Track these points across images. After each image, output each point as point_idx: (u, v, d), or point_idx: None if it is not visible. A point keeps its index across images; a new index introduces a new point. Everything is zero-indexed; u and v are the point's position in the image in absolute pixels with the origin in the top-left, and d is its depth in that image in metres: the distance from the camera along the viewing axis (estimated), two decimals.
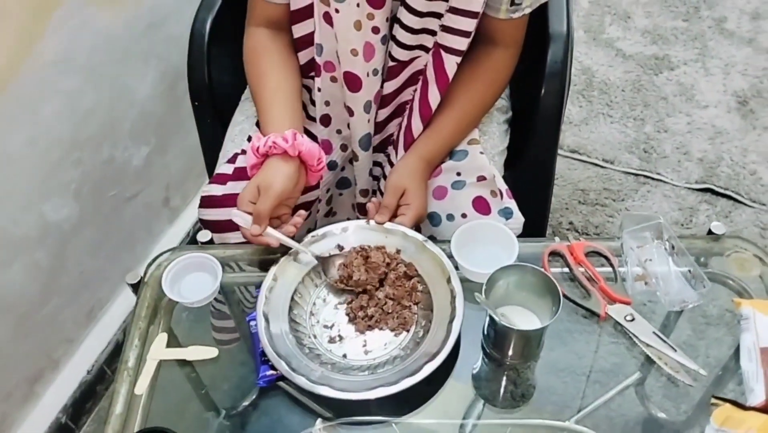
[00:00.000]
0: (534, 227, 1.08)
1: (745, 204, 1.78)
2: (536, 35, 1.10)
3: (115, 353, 1.48)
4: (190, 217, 1.67)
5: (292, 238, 0.94)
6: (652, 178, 1.86)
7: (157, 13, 1.36)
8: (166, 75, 1.44)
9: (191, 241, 1.65)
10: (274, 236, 0.93)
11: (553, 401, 0.84)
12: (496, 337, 0.85)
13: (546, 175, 1.23)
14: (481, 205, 1.03)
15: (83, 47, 1.20)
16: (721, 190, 1.81)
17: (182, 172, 1.62)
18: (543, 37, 1.13)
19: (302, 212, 0.96)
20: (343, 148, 1.11)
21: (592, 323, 0.91)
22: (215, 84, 1.19)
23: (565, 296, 0.86)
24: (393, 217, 0.99)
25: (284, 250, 0.95)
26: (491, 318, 0.82)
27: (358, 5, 0.92)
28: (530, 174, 1.20)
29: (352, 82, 0.99)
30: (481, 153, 1.08)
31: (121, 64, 1.31)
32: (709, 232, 0.99)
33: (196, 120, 1.23)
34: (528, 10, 1.00)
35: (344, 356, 0.87)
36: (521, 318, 0.86)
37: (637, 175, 1.87)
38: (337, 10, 0.93)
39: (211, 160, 1.25)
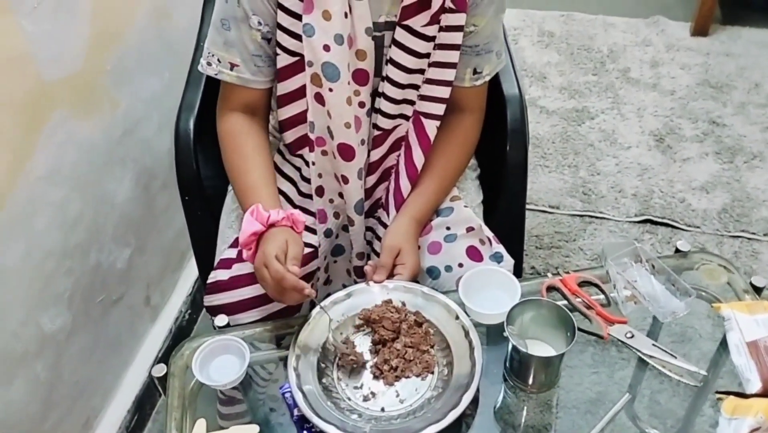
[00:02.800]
0: (513, 270, 1.17)
1: (682, 229, 1.96)
2: (491, 99, 1.23)
3: None
4: (171, 313, 1.68)
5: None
6: (596, 217, 2.02)
7: (129, 119, 1.42)
8: (140, 176, 1.48)
9: (175, 337, 1.66)
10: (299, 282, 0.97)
11: (575, 418, 0.92)
12: (520, 367, 0.92)
13: (519, 221, 1.34)
14: (473, 254, 1.12)
15: (69, 159, 1.24)
16: (659, 220, 1.98)
17: (160, 269, 1.64)
18: (497, 101, 1.27)
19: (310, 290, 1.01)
20: (336, 216, 1.19)
21: (597, 344, 1.00)
22: (202, 177, 1.25)
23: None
24: (390, 276, 1.07)
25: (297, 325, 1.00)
26: (514, 349, 0.90)
27: (348, 83, 1.03)
28: (505, 222, 1.30)
29: (346, 152, 1.08)
30: (465, 207, 1.18)
31: (101, 171, 1.35)
32: (677, 250, 1.12)
33: (186, 214, 1.28)
34: (488, 78, 1.15)
35: (382, 409, 0.92)
36: (538, 348, 0.95)
37: (582, 216, 2.03)
38: (331, 89, 1.03)
39: (202, 251, 1.30)
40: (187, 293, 1.73)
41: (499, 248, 1.14)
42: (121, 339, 1.52)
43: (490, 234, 1.15)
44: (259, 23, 1.04)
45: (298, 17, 1.01)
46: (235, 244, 1.16)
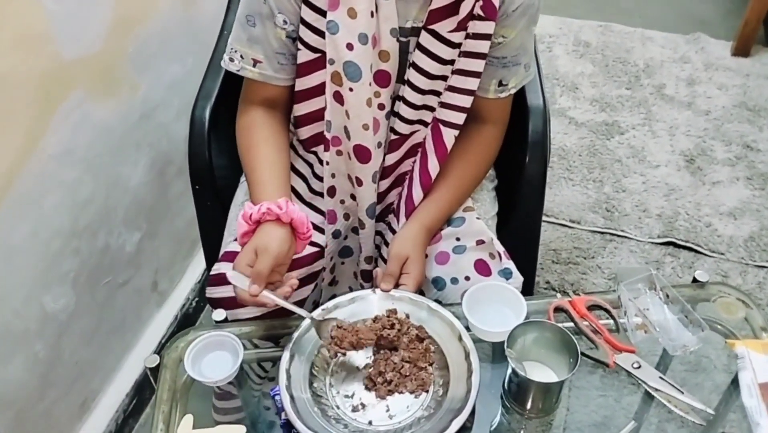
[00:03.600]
0: (523, 285, 1.14)
1: (706, 254, 1.90)
2: (514, 109, 1.20)
3: None
4: (178, 300, 1.68)
5: (286, 300, 0.96)
6: (617, 235, 1.97)
7: (148, 104, 1.41)
8: (156, 161, 1.48)
9: (180, 324, 1.65)
10: (270, 298, 0.94)
11: None
12: (518, 390, 0.89)
13: (534, 236, 1.30)
14: (482, 268, 1.09)
15: (83, 140, 1.23)
16: (682, 243, 1.92)
17: (170, 256, 1.63)
18: (521, 110, 1.23)
19: (294, 280, 0.98)
20: (346, 217, 1.16)
21: (602, 372, 0.96)
22: (214, 167, 1.24)
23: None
24: (396, 285, 1.04)
25: (293, 324, 0.98)
26: (513, 372, 0.87)
27: (370, 84, 1.00)
28: (518, 237, 1.26)
29: (362, 154, 1.06)
30: (478, 218, 1.15)
31: (116, 153, 1.34)
32: (694, 280, 1.08)
33: (196, 203, 1.27)
34: (513, 91, 1.11)
35: (370, 423, 0.89)
36: (539, 372, 0.91)
37: (603, 233, 1.98)
38: (351, 89, 1.00)
39: (209, 242, 1.29)
40: (196, 281, 1.73)
41: (509, 264, 1.11)
42: (125, 323, 1.51)
43: (501, 249, 1.12)
44: (285, 22, 1.02)
45: (323, 13, 0.99)
46: None
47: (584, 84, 2.51)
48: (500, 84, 1.09)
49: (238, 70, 1.07)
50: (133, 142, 1.39)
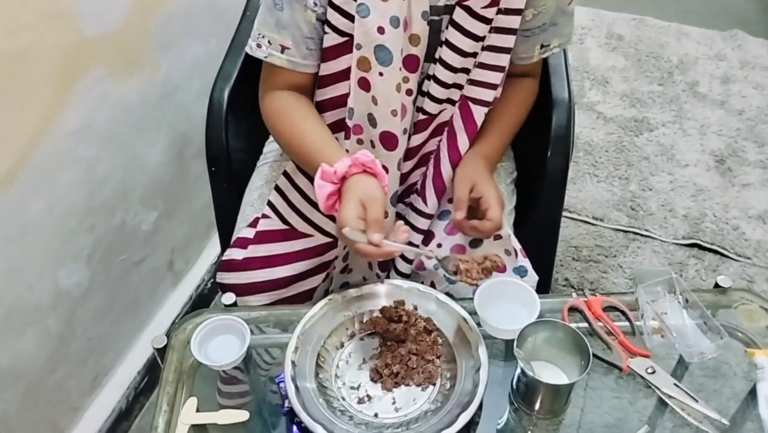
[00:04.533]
0: (539, 284, 1.11)
1: (731, 258, 1.85)
2: (538, 100, 1.17)
3: (118, 421, 1.46)
4: (193, 280, 1.68)
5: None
6: (641, 235, 1.92)
7: (169, 83, 1.40)
8: (175, 142, 1.47)
9: (195, 305, 1.65)
10: (393, 245, 0.89)
11: None
12: (527, 390, 0.87)
13: (552, 233, 1.28)
14: None
15: (101, 117, 1.23)
16: (708, 245, 1.88)
17: (186, 236, 1.63)
18: (545, 102, 1.20)
19: (402, 223, 0.94)
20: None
21: (615, 376, 0.94)
22: (231, 150, 1.23)
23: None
24: (475, 218, 1.00)
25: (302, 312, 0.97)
26: (522, 372, 0.85)
27: (400, 69, 0.98)
28: (537, 233, 1.24)
29: (390, 142, 1.03)
30: None
31: (135, 132, 1.34)
32: (716, 285, 1.04)
33: (212, 185, 1.26)
34: (557, 50, 1.11)
35: (375, 415, 0.88)
36: (548, 373, 0.89)
37: (626, 231, 1.93)
38: (381, 74, 0.98)
39: (224, 225, 1.28)
40: (212, 262, 1.73)
41: (525, 262, 1.08)
42: (139, 301, 1.52)
43: (518, 246, 1.10)
44: (315, 3, 0.98)
45: None
46: (253, 223, 1.13)
47: (615, 78, 2.45)
48: (542, 46, 1.09)
49: (266, 57, 1.02)
50: (153, 122, 1.39)
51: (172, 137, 1.46)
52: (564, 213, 1.96)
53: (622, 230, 1.94)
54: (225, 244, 1.30)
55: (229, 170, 1.24)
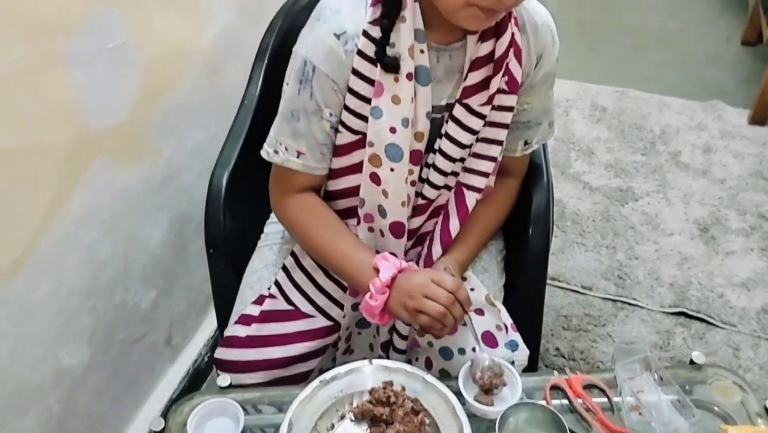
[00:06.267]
0: (529, 356, 1.16)
1: (717, 326, 1.89)
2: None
3: None
4: (191, 355, 1.71)
5: None
6: (629, 303, 1.97)
7: (170, 167, 1.47)
8: (175, 221, 1.54)
9: (192, 379, 1.68)
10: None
11: None
12: None
13: (538, 306, 1.33)
14: (489, 339, 1.12)
15: (105, 202, 1.30)
16: (694, 313, 1.92)
17: (185, 311, 1.68)
18: (525, 184, 1.27)
19: None
20: None
21: None
22: (229, 232, 1.29)
23: (570, 430, 0.93)
24: None
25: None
26: None
27: (407, 164, 1.06)
28: (522, 307, 1.28)
29: (398, 230, 1.11)
30: (485, 289, 1.18)
31: (137, 215, 1.40)
32: (691, 361, 1.09)
33: (210, 267, 1.32)
34: (536, 146, 1.21)
35: None
36: None
37: (614, 300, 1.98)
38: (392, 169, 1.06)
39: (221, 304, 1.33)
40: (209, 336, 1.76)
41: (515, 336, 1.14)
42: (138, 377, 1.55)
43: (509, 321, 1.15)
44: (330, 114, 1.06)
45: (367, 100, 1.04)
46: (259, 301, 1.18)
47: (600, 149, 2.54)
48: (525, 143, 1.18)
49: (283, 162, 1.09)
50: (155, 204, 1.45)
51: (172, 217, 1.52)
52: (554, 282, 2.03)
53: (610, 299, 1.99)
54: (222, 322, 1.35)
55: (226, 252, 1.29)
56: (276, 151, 1.10)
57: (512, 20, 1.03)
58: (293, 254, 1.21)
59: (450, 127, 1.08)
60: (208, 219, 1.28)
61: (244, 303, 1.20)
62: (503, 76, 1.04)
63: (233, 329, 1.17)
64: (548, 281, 2.01)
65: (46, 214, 1.17)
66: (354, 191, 1.12)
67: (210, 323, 1.78)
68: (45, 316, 1.22)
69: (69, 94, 1.16)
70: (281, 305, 1.18)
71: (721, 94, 2.80)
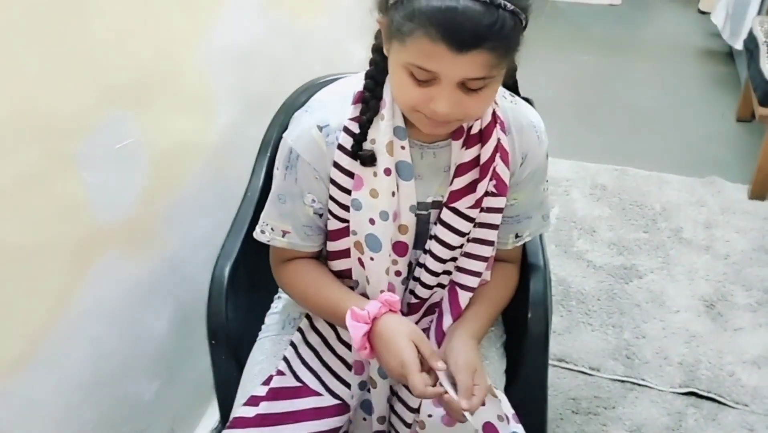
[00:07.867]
0: None
1: (730, 406, 1.86)
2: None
3: None
4: None
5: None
6: (638, 384, 1.94)
7: (176, 258, 1.51)
8: (179, 311, 1.55)
9: None
10: (449, 391, 1.02)
11: None
12: None
13: (541, 392, 1.32)
14: (490, 430, 1.10)
15: (111, 296, 1.32)
16: (705, 393, 1.89)
17: (188, 401, 1.67)
18: (523, 270, 1.29)
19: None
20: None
21: None
22: (231, 323, 1.31)
23: None
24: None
25: None
26: None
27: (389, 255, 1.10)
28: (525, 393, 1.28)
29: None
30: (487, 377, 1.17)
31: (142, 306, 1.42)
32: None
33: (212, 357, 1.32)
34: (529, 239, 1.23)
35: None
36: None
37: (623, 381, 1.95)
38: (372, 258, 1.10)
39: (224, 394, 1.33)
40: (213, 427, 1.74)
41: (518, 428, 1.13)
42: None
43: (510, 411, 1.14)
44: (313, 201, 1.13)
45: (348, 192, 1.09)
46: (268, 381, 1.19)
47: (602, 227, 2.56)
48: (516, 236, 1.20)
49: (269, 241, 1.17)
50: (160, 294, 1.48)
51: (176, 307, 1.54)
52: (561, 364, 2.01)
53: (619, 380, 1.96)
54: (224, 411, 1.34)
55: (228, 343, 1.30)
56: (263, 231, 1.18)
57: (497, 126, 1.07)
58: (300, 330, 1.24)
59: (438, 230, 1.12)
60: (211, 310, 1.30)
61: (245, 396, 1.20)
62: (491, 180, 1.08)
63: (240, 411, 1.17)
64: (555, 363, 2.00)
65: (52, 310, 1.19)
66: (349, 273, 1.17)
67: (214, 414, 1.76)
68: (48, 411, 1.22)
69: (78, 193, 1.20)
70: (290, 381, 1.18)
71: (719, 170, 2.84)
